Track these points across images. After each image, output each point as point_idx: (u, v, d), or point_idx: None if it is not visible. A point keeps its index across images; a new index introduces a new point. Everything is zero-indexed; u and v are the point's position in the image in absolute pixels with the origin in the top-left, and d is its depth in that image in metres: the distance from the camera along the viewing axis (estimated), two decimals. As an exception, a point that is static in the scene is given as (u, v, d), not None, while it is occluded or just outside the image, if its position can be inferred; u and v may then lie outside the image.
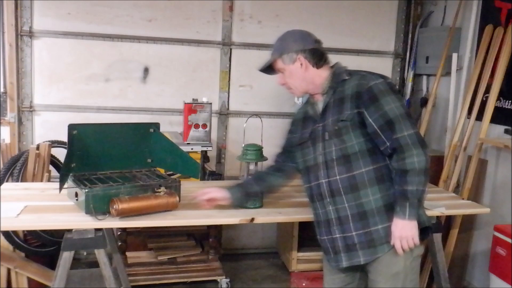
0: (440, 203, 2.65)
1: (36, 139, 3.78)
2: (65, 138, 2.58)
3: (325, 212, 2.13)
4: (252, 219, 2.50)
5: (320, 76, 2.15)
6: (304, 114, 2.24)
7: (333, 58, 4.50)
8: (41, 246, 3.33)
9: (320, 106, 2.15)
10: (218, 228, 3.73)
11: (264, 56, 4.23)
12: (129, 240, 3.52)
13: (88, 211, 2.32)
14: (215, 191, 2.38)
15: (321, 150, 2.10)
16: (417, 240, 1.99)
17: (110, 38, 3.85)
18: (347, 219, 2.07)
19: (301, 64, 2.13)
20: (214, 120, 3.96)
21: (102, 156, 2.60)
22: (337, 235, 2.12)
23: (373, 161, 2.03)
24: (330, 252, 2.20)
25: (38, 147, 3.40)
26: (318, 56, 2.16)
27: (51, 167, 3.52)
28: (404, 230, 1.97)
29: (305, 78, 2.15)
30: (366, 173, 2.02)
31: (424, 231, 2.09)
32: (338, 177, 2.06)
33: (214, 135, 3.97)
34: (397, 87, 4.39)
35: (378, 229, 2.02)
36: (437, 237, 2.66)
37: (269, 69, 2.21)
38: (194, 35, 4.00)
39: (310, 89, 2.18)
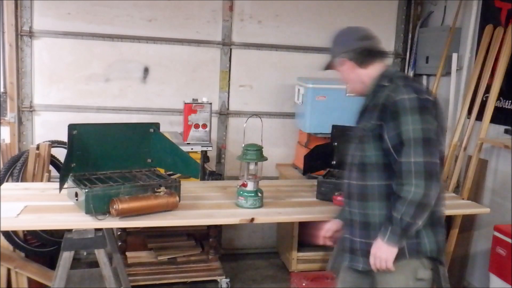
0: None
1: (36, 139, 3.77)
2: (65, 138, 2.58)
3: (345, 210, 2.16)
4: (252, 219, 2.50)
5: (369, 76, 2.08)
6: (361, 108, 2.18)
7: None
8: (41, 246, 3.33)
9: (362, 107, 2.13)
10: (218, 228, 3.73)
11: (264, 56, 4.27)
12: (129, 240, 3.52)
13: (88, 211, 2.32)
14: (332, 224, 2.31)
15: (351, 151, 2.12)
16: (390, 265, 1.96)
17: (110, 38, 3.85)
18: (356, 223, 2.09)
19: (348, 67, 2.10)
20: (214, 120, 3.96)
21: (102, 156, 2.60)
22: (347, 235, 2.14)
23: (386, 176, 1.98)
24: (341, 249, 2.21)
25: (38, 147, 3.40)
26: (364, 55, 2.07)
27: (51, 167, 3.52)
28: (379, 250, 1.98)
29: (353, 79, 2.13)
30: (378, 187, 2.00)
31: (433, 259, 2.03)
32: (354, 182, 2.08)
33: (214, 135, 3.97)
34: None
35: (387, 221, 2.00)
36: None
37: (332, 67, 2.22)
38: (194, 35, 4.00)
39: (361, 88, 2.13)
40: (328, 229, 2.31)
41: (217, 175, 3.65)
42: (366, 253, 2.05)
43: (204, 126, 3.48)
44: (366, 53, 2.07)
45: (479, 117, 3.44)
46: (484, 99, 3.45)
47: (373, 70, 2.08)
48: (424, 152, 1.86)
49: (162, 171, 2.81)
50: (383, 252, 1.97)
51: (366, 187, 2.03)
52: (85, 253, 3.78)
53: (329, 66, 2.22)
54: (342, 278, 2.27)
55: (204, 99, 3.49)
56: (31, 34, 3.70)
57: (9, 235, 3.13)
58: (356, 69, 2.09)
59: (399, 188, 1.90)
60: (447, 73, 3.87)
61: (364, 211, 2.05)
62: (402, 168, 1.88)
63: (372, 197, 2.02)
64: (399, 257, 1.96)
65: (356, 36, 2.10)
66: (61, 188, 2.41)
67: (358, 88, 2.14)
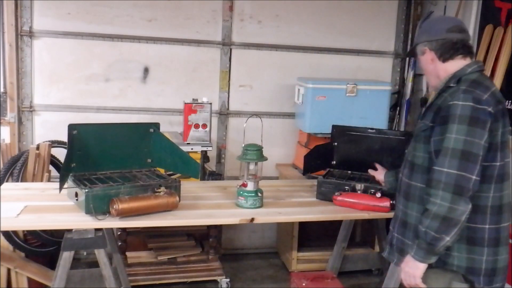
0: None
1: (36, 139, 3.77)
2: (65, 138, 2.59)
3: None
4: (252, 219, 2.50)
5: (446, 71, 1.98)
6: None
7: (333, 58, 4.52)
8: (41, 246, 3.33)
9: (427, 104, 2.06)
10: (218, 228, 3.73)
11: (264, 56, 4.27)
12: (129, 240, 3.52)
13: (88, 211, 2.32)
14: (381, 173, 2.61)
15: (409, 147, 2.09)
16: (418, 281, 1.92)
17: (110, 38, 3.85)
18: (398, 219, 2.10)
19: (428, 57, 2.02)
20: (214, 120, 3.96)
21: (102, 156, 2.61)
22: (391, 227, 2.17)
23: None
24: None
25: (38, 147, 3.40)
26: (446, 47, 1.96)
27: (51, 167, 3.52)
28: (407, 265, 1.96)
29: (430, 71, 2.04)
30: (420, 189, 1.95)
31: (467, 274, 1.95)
32: (404, 178, 2.07)
33: (214, 135, 3.97)
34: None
35: (410, 244, 1.98)
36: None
37: (414, 54, 2.14)
38: (194, 35, 4.00)
39: (436, 83, 2.04)
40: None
41: (217, 175, 3.66)
42: (400, 251, 2.05)
43: (204, 126, 3.48)
44: (449, 46, 1.97)
45: (479, 117, 3.44)
46: (484, 99, 3.45)
47: (451, 66, 1.98)
48: (460, 165, 1.78)
49: (162, 171, 2.81)
50: (410, 267, 1.94)
51: (410, 186, 2.02)
52: (85, 253, 3.78)
53: (411, 52, 2.16)
54: (394, 268, 2.31)
55: (204, 99, 3.49)
56: (31, 34, 3.70)
57: (9, 235, 3.13)
58: (435, 61, 2.00)
59: (426, 199, 1.85)
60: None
61: (405, 209, 2.05)
62: (433, 176, 1.83)
63: (413, 198, 2.00)
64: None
65: (445, 27, 1.99)
66: (61, 188, 2.41)
67: (433, 82, 2.07)
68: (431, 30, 2.02)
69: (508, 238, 1.98)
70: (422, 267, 1.91)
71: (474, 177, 1.79)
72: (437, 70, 2.01)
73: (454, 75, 1.96)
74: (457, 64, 1.98)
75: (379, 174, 2.67)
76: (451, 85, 1.93)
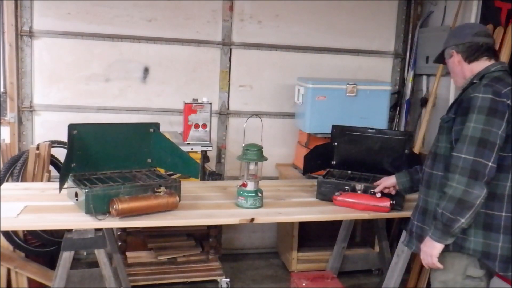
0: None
1: (36, 139, 3.77)
2: (65, 138, 2.58)
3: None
4: (252, 219, 2.50)
5: (471, 71, 2.12)
6: None
7: (333, 58, 4.52)
8: (41, 246, 3.33)
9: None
10: (218, 228, 3.73)
11: (264, 56, 4.27)
12: (129, 240, 3.52)
13: (88, 211, 2.32)
14: (389, 180, 2.63)
15: (433, 141, 2.19)
16: (435, 260, 2.02)
17: (110, 38, 3.85)
18: (417, 207, 2.20)
19: (455, 59, 2.15)
20: (214, 120, 3.96)
21: (102, 156, 2.61)
22: (411, 217, 2.25)
23: None
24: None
25: (38, 147, 3.40)
26: (472, 50, 2.11)
27: (51, 167, 3.52)
28: (425, 245, 2.06)
29: (458, 73, 2.18)
30: (441, 178, 2.05)
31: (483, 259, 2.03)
32: (426, 169, 2.18)
33: (214, 135, 3.97)
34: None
35: (433, 217, 2.06)
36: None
37: (442, 60, 2.27)
38: (194, 35, 4.00)
39: (462, 83, 2.17)
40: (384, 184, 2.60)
41: (217, 175, 3.66)
42: (419, 237, 2.14)
43: (204, 126, 3.48)
44: (475, 48, 2.11)
45: (479, 117, 3.44)
46: (484, 99, 3.45)
47: (476, 66, 2.12)
48: (477, 151, 1.88)
49: (162, 171, 2.81)
50: (428, 247, 2.05)
51: (432, 175, 2.12)
52: (85, 253, 3.78)
53: (440, 57, 2.28)
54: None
55: (204, 99, 3.49)
56: (31, 34, 3.70)
57: (9, 235, 3.13)
58: (462, 63, 2.14)
59: (444, 182, 1.96)
60: (447, 73, 3.86)
61: (426, 198, 2.14)
62: (452, 161, 1.93)
63: (434, 186, 2.10)
64: (444, 249, 2.02)
65: (471, 31, 2.14)
66: (61, 188, 2.41)
67: (460, 82, 2.19)
68: (458, 35, 2.17)
69: None
70: (439, 247, 2.01)
71: (490, 163, 1.89)
72: (464, 71, 2.14)
73: (478, 73, 2.09)
74: (482, 64, 2.11)
75: (387, 180, 2.65)
76: (474, 81, 2.06)
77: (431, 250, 2.03)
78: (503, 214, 2.00)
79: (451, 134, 2.01)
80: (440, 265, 2.05)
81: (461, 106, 1.98)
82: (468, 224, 1.95)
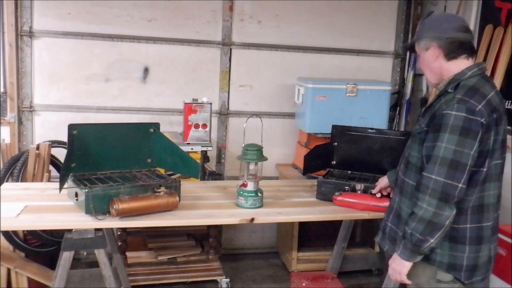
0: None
1: (36, 139, 3.77)
2: (65, 138, 2.59)
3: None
4: (252, 219, 2.50)
5: (448, 71, 2.00)
6: None
7: (333, 58, 4.52)
8: (41, 246, 3.33)
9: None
10: (218, 228, 3.73)
11: (264, 56, 4.27)
12: (129, 240, 3.52)
13: (88, 211, 2.33)
14: (383, 181, 2.67)
15: (407, 143, 2.15)
16: (404, 278, 2.01)
17: (110, 38, 3.85)
18: (392, 209, 2.17)
19: (433, 53, 2.01)
20: (214, 120, 3.96)
21: (102, 156, 2.61)
22: (384, 216, 2.26)
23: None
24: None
25: (38, 147, 3.40)
26: (453, 47, 1.98)
27: (51, 167, 3.52)
28: (394, 262, 2.04)
29: (434, 68, 2.04)
30: (412, 187, 2.02)
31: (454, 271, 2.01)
32: (400, 174, 2.15)
33: (214, 135, 3.97)
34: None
35: (401, 236, 2.03)
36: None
37: (413, 49, 2.14)
38: (194, 35, 3.99)
39: (436, 81, 2.07)
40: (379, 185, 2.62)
41: (217, 175, 3.66)
42: (393, 240, 2.12)
43: (204, 126, 3.48)
44: (457, 45, 1.98)
45: (479, 117, 3.43)
46: (484, 99, 3.45)
47: (454, 66, 1.99)
48: (448, 173, 1.83)
49: (162, 171, 2.81)
50: (397, 264, 2.02)
51: (404, 182, 2.09)
52: (85, 253, 3.78)
53: (411, 47, 2.16)
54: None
55: (204, 99, 3.49)
56: (31, 34, 3.70)
57: (9, 235, 3.13)
58: (440, 59, 2.00)
59: (414, 202, 1.93)
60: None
61: (399, 203, 2.12)
62: (423, 181, 1.88)
63: (405, 193, 2.07)
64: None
65: (453, 25, 2.00)
66: (61, 188, 2.42)
67: (434, 80, 2.07)
68: (439, 27, 2.01)
69: (490, 236, 2.04)
70: (407, 265, 1.99)
71: (460, 185, 1.84)
72: (441, 69, 2.02)
73: (453, 79, 1.97)
74: (460, 64, 1.99)
75: (382, 181, 2.66)
76: (449, 90, 1.94)
77: (400, 268, 2.00)
78: (468, 226, 1.97)
79: (423, 146, 1.95)
80: (408, 281, 2.03)
81: (433, 123, 1.90)
82: (438, 244, 1.92)
